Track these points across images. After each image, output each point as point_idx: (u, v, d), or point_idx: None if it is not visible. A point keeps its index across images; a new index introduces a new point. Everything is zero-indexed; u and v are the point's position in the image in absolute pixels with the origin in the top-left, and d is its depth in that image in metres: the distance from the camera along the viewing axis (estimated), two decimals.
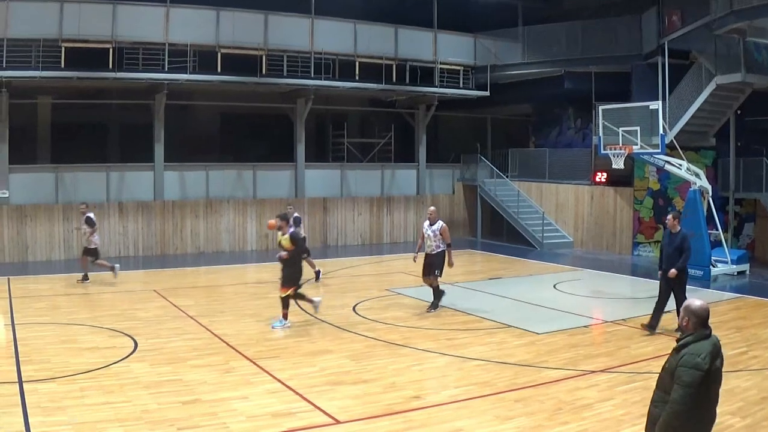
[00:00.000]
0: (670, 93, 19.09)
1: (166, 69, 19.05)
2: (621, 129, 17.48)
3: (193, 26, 19.58)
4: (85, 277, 15.17)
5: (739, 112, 19.71)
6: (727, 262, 16.96)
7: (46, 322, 11.26)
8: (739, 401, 7.47)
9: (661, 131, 16.92)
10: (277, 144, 23.72)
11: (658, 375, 4.65)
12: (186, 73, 19.29)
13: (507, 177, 24.90)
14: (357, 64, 22.00)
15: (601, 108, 18.47)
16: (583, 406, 7.45)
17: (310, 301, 11.47)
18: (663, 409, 4.37)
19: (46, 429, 6.56)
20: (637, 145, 17.20)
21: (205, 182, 21.31)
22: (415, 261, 12.75)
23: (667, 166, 17.49)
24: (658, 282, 10.91)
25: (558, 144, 25.60)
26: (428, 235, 12.36)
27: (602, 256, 20.58)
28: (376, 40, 22.46)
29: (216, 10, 19.86)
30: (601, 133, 18.22)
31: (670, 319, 10.28)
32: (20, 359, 8.93)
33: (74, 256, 15.58)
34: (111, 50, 18.45)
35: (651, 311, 10.74)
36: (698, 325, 4.46)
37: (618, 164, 17.90)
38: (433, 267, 12.33)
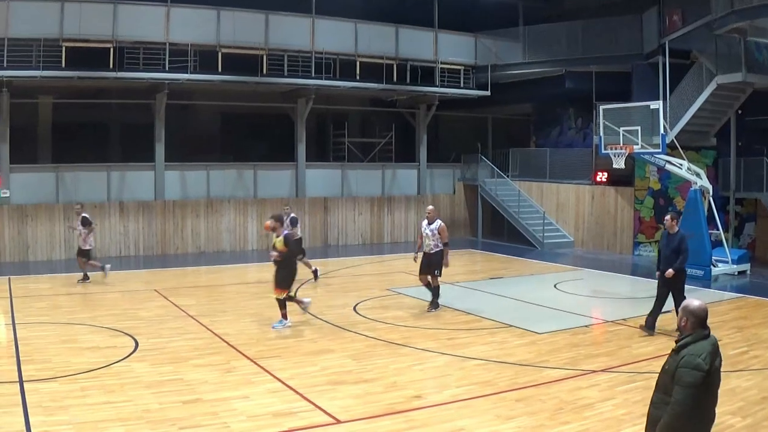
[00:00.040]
0: (670, 93, 19.10)
1: (167, 69, 19.05)
2: (622, 129, 17.49)
3: (193, 26, 19.58)
4: (86, 277, 15.18)
5: (739, 111, 19.70)
6: (727, 262, 16.95)
7: (47, 321, 11.27)
8: (740, 401, 7.47)
9: (661, 131, 16.93)
10: (278, 144, 23.72)
11: (657, 376, 4.65)
12: (187, 73, 19.30)
13: (508, 177, 24.89)
14: (358, 63, 22.00)
15: (601, 108, 18.49)
16: (584, 405, 7.45)
17: (300, 302, 11.43)
18: (663, 410, 4.36)
19: (47, 428, 6.56)
20: (637, 144, 17.21)
21: (205, 182, 21.31)
22: (415, 261, 12.73)
23: (668, 166, 17.50)
24: (656, 283, 10.90)
25: (559, 144, 25.60)
26: (427, 234, 12.35)
27: (603, 256, 20.58)
28: (376, 39, 22.46)
29: (216, 9, 19.86)
30: (601, 133, 18.23)
31: (670, 319, 10.27)
32: (21, 359, 8.94)
33: (75, 256, 15.62)
34: (112, 50, 18.45)
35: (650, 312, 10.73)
36: (697, 325, 4.45)
37: (619, 164, 17.90)
38: (431, 266, 12.32)
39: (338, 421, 6.95)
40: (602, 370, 8.79)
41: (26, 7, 17.69)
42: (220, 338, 10.31)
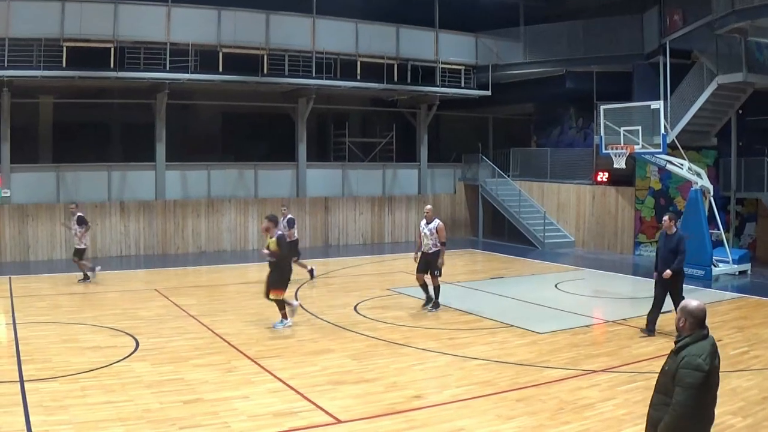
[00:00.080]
0: (671, 92, 19.09)
1: (168, 68, 19.06)
2: (622, 128, 17.48)
3: (194, 26, 19.59)
4: (86, 277, 15.18)
5: (740, 111, 19.69)
6: (728, 262, 16.94)
7: (48, 321, 11.27)
8: (740, 401, 7.47)
9: (662, 131, 16.92)
10: (279, 143, 23.73)
11: (655, 379, 4.65)
12: (187, 73, 19.31)
13: (508, 176, 24.89)
14: (358, 63, 22.00)
15: (602, 107, 18.48)
16: (585, 405, 7.45)
17: (288, 304, 11.31)
18: (663, 412, 4.35)
19: (47, 428, 6.56)
20: (638, 144, 17.20)
21: (206, 182, 21.32)
22: (415, 260, 12.72)
23: (669, 166, 17.49)
24: (654, 284, 10.86)
25: (559, 143, 25.60)
26: (425, 233, 12.35)
27: (604, 256, 20.57)
28: (377, 39, 22.46)
29: (217, 9, 19.86)
30: (602, 133, 18.23)
31: (670, 319, 10.25)
32: (22, 358, 8.94)
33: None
34: (112, 50, 18.46)
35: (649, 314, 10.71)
36: (695, 325, 4.45)
37: (619, 164, 17.89)
38: (430, 266, 12.32)
39: (339, 421, 6.95)
40: (603, 370, 8.79)
41: (27, 7, 17.70)
42: (221, 338, 10.31)
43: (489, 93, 23.94)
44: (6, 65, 17.33)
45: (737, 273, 16.92)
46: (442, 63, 23.57)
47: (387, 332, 10.81)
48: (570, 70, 23.07)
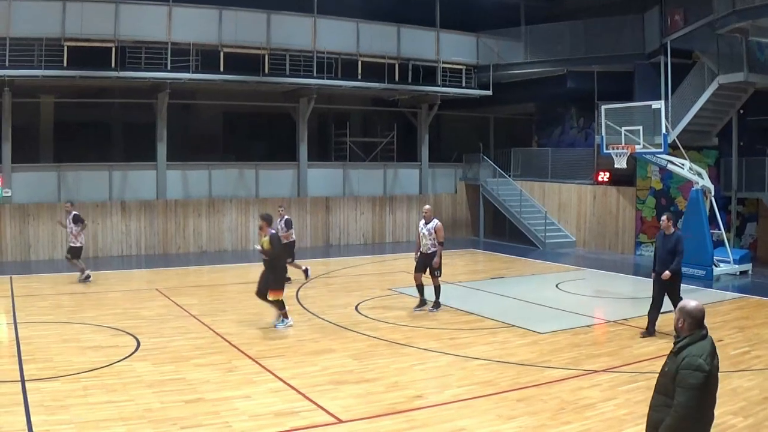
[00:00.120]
0: (672, 92, 19.08)
1: (169, 68, 19.07)
2: (623, 128, 17.48)
3: (195, 25, 19.59)
4: (86, 276, 15.17)
5: (741, 111, 19.67)
6: (729, 262, 16.93)
7: (49, 320, 11.28)
8: (742, 401, 7.47)
9: (663, 131, 16.93)
10: (280, 143, 23.75)
11: (656, 379, 4.64)
12: (188, 72, 19.32)
13: (509, 176, 24.88)
14: (359, 63, 22.00)
15: (603, 107, 18.48)
16: (586, 405, 7.45)
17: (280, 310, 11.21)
18: (664, 413, 4.34)
19: (48, 428, 6.57)
20: (639, 144, 17.20)
21: (207, 181, 21.33)
22: (416, 261, 12.72)
23: (670, 166, 17.49)
24: (651, 284, 10.84)
25: (560, 143, 25.59)
26: (423, 234, 12.35)
27: (605, 256, 20.57)
28: (378, 39, 22.46)
29: (219, 9, 19.86)
30: (603, 133, 18.23)
31: (671, 319, 10.25)
32: (23, 358, 8.95)
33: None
34: (113, 49, 18.46)
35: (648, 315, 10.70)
36: (694, 326, 4.44)
37: (620, 164, 17.89)
38: (428, 266, 12.32)
39: (340, 421, 6.96)
40: (604, 370, 8.79)
41: (28, 7, 17.70)
42: (222, 338, 10.31)
43: (490, 93, 23.94)
44: (7, 65, 17.34)
45: (738, 273, 16.91)
46: (443, 63, 23.57)
47: (388, 332, 10.82)
48: (571, 70, 23.06)
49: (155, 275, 16.66)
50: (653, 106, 17.08)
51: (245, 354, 9.42)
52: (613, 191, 21.43)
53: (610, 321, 11.94)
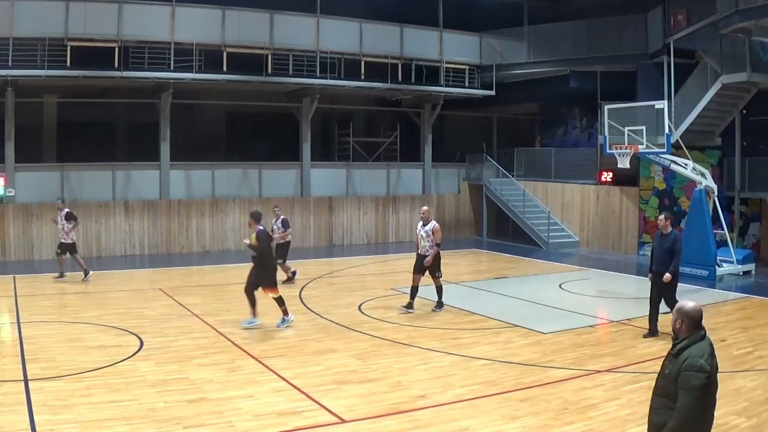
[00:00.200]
0: (675, 92, 19.05)
1: (172, 68, 19.08)
2: (627, 128, 17.45)
3: (198, 25, 19.61)
4: (86, 273, 15.19)
5: (744, 111, 19.63)
6: (732, 262, 16.90)
7: (52, 320, 11.31)
8: (744, 401, 7.45)
9: (666, 131, 16.90)
10: (283, 143, 23.75)
11: (655, 382, 4.62)
12: (192, 72, 19.34)
13: (512, 176, 24.88)
14: (362, 63, 22.01)
15: (606, 107, 18.44)
16: (589, 405, 7.44)
17: (254, 308, 11.03)
18: (665, 415, 4.31)
19: (51, 427, 6.58)
20: (642, 144, 17.17)
21: (210, 181, 21.34)
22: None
23: (673, 166, 17.46)
24: (649, 284, 10.79)
25: (564, 143, 25.57)
26: (421, 235, 12.35)
27: (608, 256, 20.55)
28: (381, 39, 22.46)
29: (222, 9, 19.87)
30: (606, 133, 18.21)
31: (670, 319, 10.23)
32: (26, 357, 8.97)
33: (69, 256, 15.59)
34: (117, 49, 18.48)
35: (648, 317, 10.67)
36: (692, 327, 4.41)
37: (624, 164, 17.86)
38: (430, 268, 12.31)
39: (343, 421, 6.96)
40: (607, 370, 8.79)
41: (31, 7, 17.73)
42: (225, 337, 10.32)
43: (493, 93, 23.91)
44: (10, 65, 17.37)
45: (741, 273, 16.88)
46: (446, 63, 23.55)
47: (391, 332, 10.82)
48: (574, 70, 23.04)
49: (158, 275, 16.68)
50: (656, 106, 17.06)
51: (248, 354, 9.43)
52: (616, 191, 21.41)
53: (613, 321, 11.94)
